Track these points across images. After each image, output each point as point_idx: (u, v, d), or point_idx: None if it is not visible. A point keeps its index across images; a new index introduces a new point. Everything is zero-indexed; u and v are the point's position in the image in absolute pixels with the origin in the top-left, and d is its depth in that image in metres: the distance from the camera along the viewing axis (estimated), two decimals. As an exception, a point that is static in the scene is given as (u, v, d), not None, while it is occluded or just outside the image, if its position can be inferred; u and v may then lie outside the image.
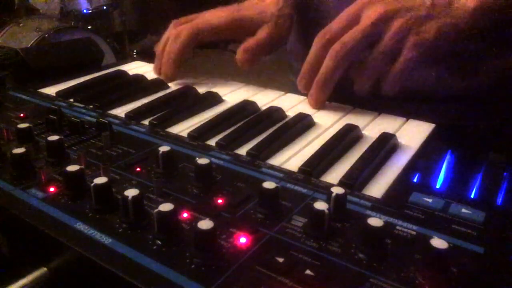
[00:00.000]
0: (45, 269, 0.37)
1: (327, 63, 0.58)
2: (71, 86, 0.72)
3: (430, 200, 0.40)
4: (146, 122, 0.59)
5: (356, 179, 0.44)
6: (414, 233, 0.36)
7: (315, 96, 0.63)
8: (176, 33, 0.75)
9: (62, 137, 0.48)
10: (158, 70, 0.78)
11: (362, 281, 0.31)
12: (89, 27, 2.85)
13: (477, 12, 0.49)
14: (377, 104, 0.62)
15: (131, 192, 0.36)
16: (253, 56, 0.72)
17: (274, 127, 0.57)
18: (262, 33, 0.72)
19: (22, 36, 2.52)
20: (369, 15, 0.56)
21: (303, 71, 0.63)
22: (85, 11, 2.94)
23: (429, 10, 0.52)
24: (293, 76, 0.93)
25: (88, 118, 0.59)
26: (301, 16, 0.79)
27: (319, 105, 0.64)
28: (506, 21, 0.51)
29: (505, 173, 0.45)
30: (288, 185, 0.44)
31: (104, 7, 3.07)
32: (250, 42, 0.72)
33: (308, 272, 0.32)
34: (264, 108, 0.64)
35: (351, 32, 0.57)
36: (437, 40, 0.51)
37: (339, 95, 0.62)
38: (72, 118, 0.55)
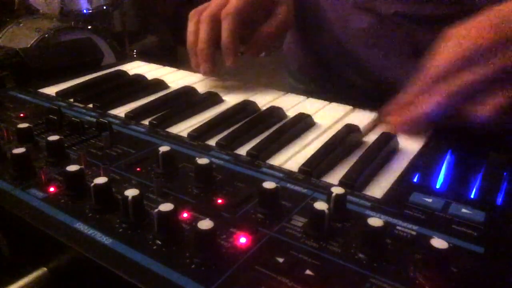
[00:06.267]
0: (45, 269, 0.37)
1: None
2: (71, 86, 0.72)
3: (430, 200, 0.40)
4: (146, 122, 0.59)
5: (356, 179, 0.44)
6: (414, 233, 0.36)
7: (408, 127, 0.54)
8: (211, 20, 0.68)
9: (62, 137, 0.48)
10: (200, 66, 0.71)
11: (362, 281, 0.31)
12: (89, 27, 2.85)
13: None
14: (377, 104, 0.62)
15: (131, 192, 0.36)
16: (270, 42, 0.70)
17: (274, 127, 0.57)
18: (280, 15, 0.71)
19: (22, 36, 2.52)
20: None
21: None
22: (85, 11, 2.94)
23: None
24: (290, 77, 0.93)
25: (88, 118, 0.59)
26: (298, 18, 0.79)
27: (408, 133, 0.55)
28: None
29: (505, 173, 0.45)
30: (288, 185, 0.44)
31: (104, 7, 3.07)
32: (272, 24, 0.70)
33: (308, 272, 0.32)
34: (264, 108, 0.64)
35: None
36: None
37: (339, 95, 0.62)
38: (72, 118, 0.55)
